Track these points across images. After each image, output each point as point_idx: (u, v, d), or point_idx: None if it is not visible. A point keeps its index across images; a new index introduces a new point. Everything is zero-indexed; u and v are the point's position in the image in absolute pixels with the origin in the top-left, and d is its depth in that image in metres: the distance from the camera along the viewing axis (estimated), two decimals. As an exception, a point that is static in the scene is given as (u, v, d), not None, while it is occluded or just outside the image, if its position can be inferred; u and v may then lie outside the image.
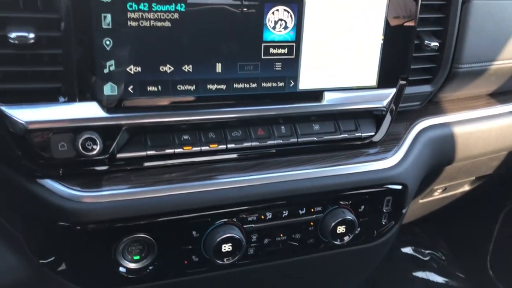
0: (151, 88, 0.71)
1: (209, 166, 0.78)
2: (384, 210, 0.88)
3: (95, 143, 0.69)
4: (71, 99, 0.67)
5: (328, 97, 0.81)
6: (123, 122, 0.70)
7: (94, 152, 0.69)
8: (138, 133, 0.73)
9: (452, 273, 1.99)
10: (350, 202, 0.85)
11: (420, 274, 1.98)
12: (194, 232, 0.76)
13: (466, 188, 1.37)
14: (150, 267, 0.76)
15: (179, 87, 0.72)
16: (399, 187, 0.88)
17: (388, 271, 1.95)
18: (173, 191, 0.73)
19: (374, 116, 0.87)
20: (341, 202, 0.84)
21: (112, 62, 0.68)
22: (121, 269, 0.74)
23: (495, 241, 1.83)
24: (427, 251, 2.06)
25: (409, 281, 1.95)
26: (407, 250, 2.05)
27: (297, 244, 0.85)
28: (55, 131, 0.67)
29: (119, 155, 0.72)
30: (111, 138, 0.70)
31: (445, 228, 2.08)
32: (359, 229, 0.87)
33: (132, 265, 0.75)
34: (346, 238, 0.85)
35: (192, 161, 0.77)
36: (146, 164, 0.74)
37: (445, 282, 1.96)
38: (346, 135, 0.85)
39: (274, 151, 0.82)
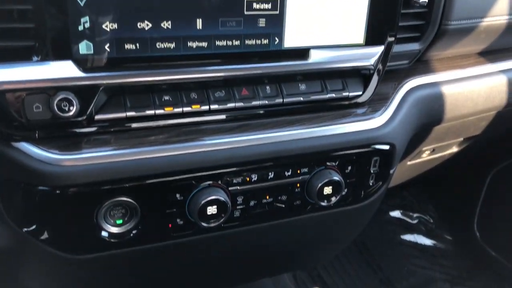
0: (128, 46, 0.67)
1: (192, 128, 0.76)
2: (372, 171, 0.87)
3: (72, 104, 0.66)
4: (44, 58, 0.64)
5: (314, 55, 0.79)
6: (100, 82, 0.67)
7: (71, 114, 0.66)
8: (117, 93, 0.70)
9: (439, 235, 2.02)
10: (337, 163, 0.84)
11: (408, 237, 2.01)
12: (178, 195, 0.75)
13: (455, 149, 1.37)
14: (134, 231, 0.74)
15: (158, 45, 0.69)
16: (387, 147, 0.87)
17: (376, 234, 1.97)
18: (155, 153, 0.71)
19: (361, 75, 0.85)
20: (328, 163, 0.83)
21: (87, 18, 0.64)
22: (104, 233, 0.72)
23: (482, 203, 1.85)
24: (415, 214, 2.08)
25: (397, 243, 1.97)
26: (395, 213, 2.07)
27: (283, 206, 0.84)
28: (28, 92, 0.64)
29: (97, 117, 0.70)
30: (88, 99, 0.67)
31: (433, 191, 2.09)
32: (346, 190, 0.86)
33: (114, 230, 0.73)
34: (333, 199, 0.84)
35: (175, 122, 0.75)
36: (126, 126, 0.72)
37: (432, 244, 1.99)
38: (333, 95, 0.83)
39: (259, 112, 0.80)
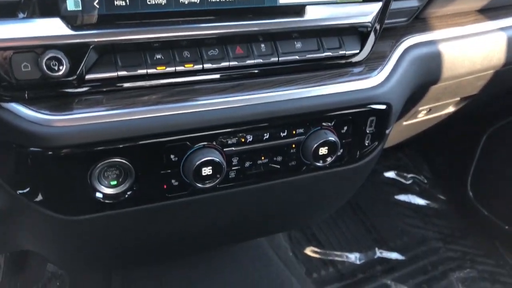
0: (118, 3, 0.65)
1: (186, 88, 0.75)
2: (367, 131, 0.86)
3: (61, 63, 0.64)
4: (31, 15, 0.61)
5: (310, 12, 0.76)
6: (90, 39, 0.65)
7: (61, 73, 0.65)
8: (107, 52, 0.68)
9: (433, 196, 2.04)
10: (333, 123, 0.83)
11: (402, 197, 2.03)
12: (172, 156, 0.74)
13: (451, 109, 1.36)
14: (129, 192, 0.74)
15: (149, 1, 0.66)
16: (383, 107, 0.86)
17: (371, 195, 1.99)
18: (148, 114, 0.70)
19: (358, 33, 0.83)
20: (324, 124, 0.82)
21: (74, -28, 0.62)
22: (98, 194, 0.72)
23: (476, 164, 1.86)
24: (409, 175, 2.09)
25: (391, 204, 1.99)
26: (390, 174, 2.09)
27: (278, 167, 0.83)
28: (15, 50, 0.62)
29: (88, 76, 0.68)
30: (78, 57, 0.65)
31: (427, 152, 2.10)
32: (341, 150, 0.85)
33: (109, 191, 0.73)
34: (329, 160, 0.84)
35: (167, 82, 0.73)
36: (118, 85, 0.70)
37: (426, 204, 2.02)
38: (330, 53, 0.81)
39: (254, 71, 0.78)
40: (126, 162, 0.71)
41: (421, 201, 2.03)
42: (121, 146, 0.70)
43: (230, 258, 1.27)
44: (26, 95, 0.66)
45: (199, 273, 1.22)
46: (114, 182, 0.72)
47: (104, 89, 0.70)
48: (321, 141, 0.81)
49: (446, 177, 2.03)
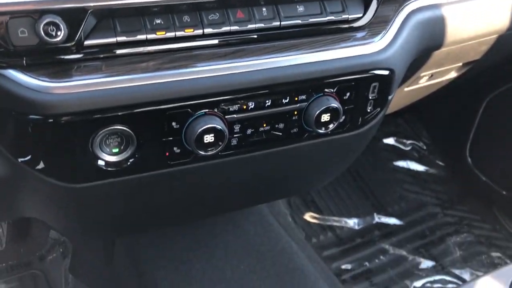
0: (116, -35, 0.63)
1: (186, 54, 0.73)
2: (370, 97, 0.86)
3: (59, 29, 0.63)
4: (26, -22, 0.60)
5: (313, -25, 0.74)
6: (88, 4, 0.63)
7: (59, 39, 0.63)
8: (106, 17, 0.67)
9: (432, 162, 2.05)
10: (335, 89, 0.82)
11: (401, 163, 2.04)
12: (173, 123, 0.73)
13: (453, 75, 1.35)
14: (131, 160, 0.74)
15: (148, -37, 0.64)
16: (386, 72, 0.85)
17: (370, 161, 2.00)
18: (148, 80, 0.69)
19: (362, -4, 0.81)
20: (326, 90, 0.81)
21: None
22: (100, 162, 0.72)
23: (475, 130, 1.86)
24: (408, 141, 2.10)
25: (390, 170, 2.00)
26: (389, 140, 2.09)
27: (280, 134, 0.83)
28: (12, 15, 0.60)
29: (86, 42, 0.66)
30: (76, 22, 0.64)
31: (427, 118, 2.10)
32: (343, 117, 0.85)
33: (111, 158, 0.72)
34: (331, 127, 0.83)
35: (168, 48, 0.72)
36: (118, 51, 0.69)
37: (424, 170, 2.03)
38: (333, 17, 0.80)
39: (255, 36, 0.77)
40: (127, 130, 0.71)
41: (419, 167, 2.04)
42: (121, 113, 0.69)
43: (232, 224, 1.28)
44: (24, 62, 0.65)
45: (202, 239, 1.23)
46: (116, 150, 0.72)
47: (103, 55, 0.69)
48: (323, 108, 0.80)
49: (445, 143, 2.03)
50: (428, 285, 1.57)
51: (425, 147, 2.08)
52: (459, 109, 1.93)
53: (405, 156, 2.06)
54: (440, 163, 2.04)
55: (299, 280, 1.19)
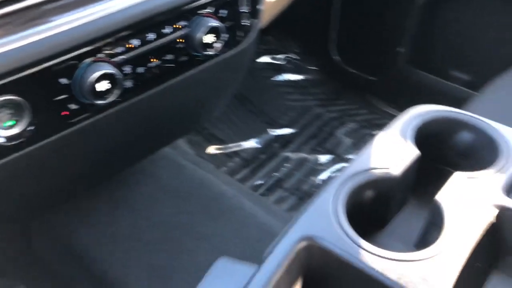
0: None
1: (37, 11, 0.70)
2: (245, 10, 0.89)
3: None
4: None
5: None
6: None
7: None
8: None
9: (306, 69, 2.19)
10: (213, 10, 0.84)
11: (279, 77, 2.15)
12: (62, 80, 0.71)
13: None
14: (31, 128, 0.70)
15: None
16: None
17: (252, 84, 2.08)
18: (22, 41, 0.65)
19: None
20: (203, 11, 0.83)
21: None
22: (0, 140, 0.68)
23: (339, 30, 2.01)
24: (281, 56, 2.20)
25: (271, 86, 2.11)
26: (264, 59, 2.18)
27: (172, 65, 0.84)
28: None
29: None
30: None
31: (293, 30, 2.21)
32: (226, 35, 0.88)
33: (9, 132, 0.68)
34: (216, 46, 0.86)
35: (14, 9, 0.68)
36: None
37: (302, 78, 2.17)
38: None
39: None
40: (15, 97, 0.67)
41: (297, 77, 2.17)
42: (3, 82, 0.65)
43: (144, 175, 1.29)
44: None
45: (119, 198, 1.23)
46: (13, 122, 0.68)
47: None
48: (205, 29, 0.82)
49: (314, 48, 2.17)
50: (332, 175, 1.74)
51: (298, 57, 2.20)
52: (318, 15, 2.07)
53: (281, 70, 2.17)
54: (314, 68, 2.19)
55: (226, 205, 1.26)
